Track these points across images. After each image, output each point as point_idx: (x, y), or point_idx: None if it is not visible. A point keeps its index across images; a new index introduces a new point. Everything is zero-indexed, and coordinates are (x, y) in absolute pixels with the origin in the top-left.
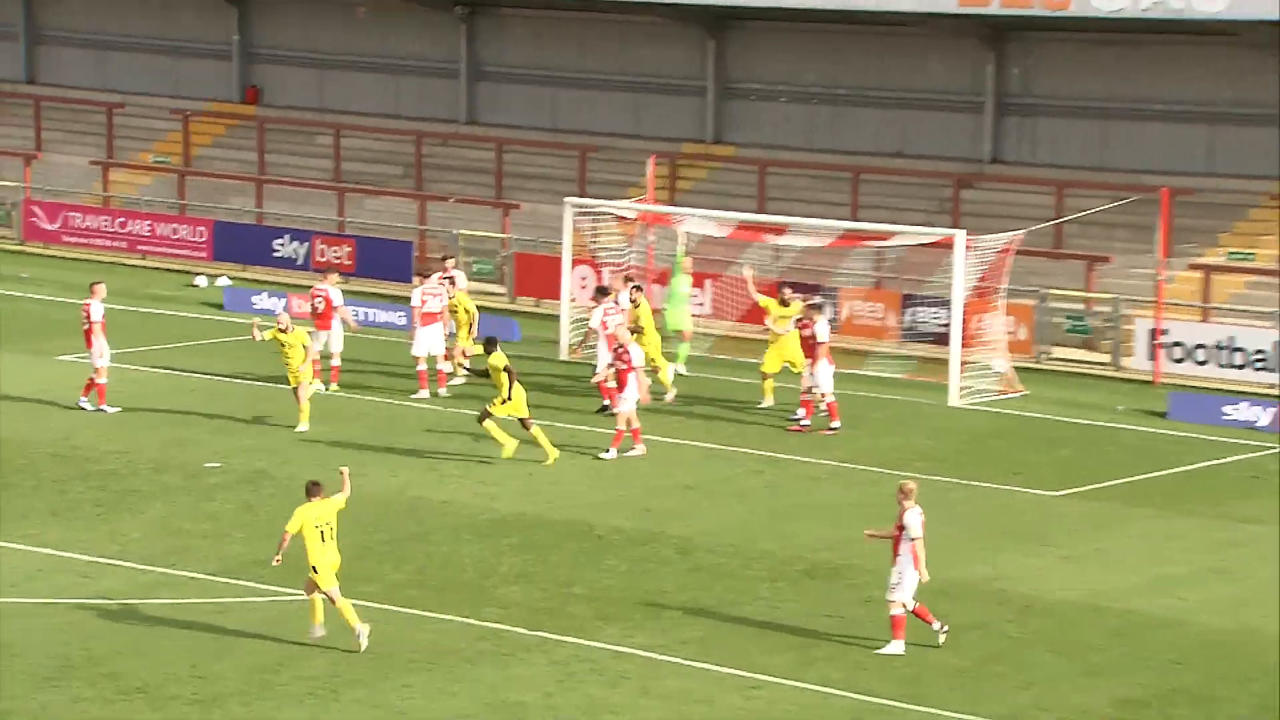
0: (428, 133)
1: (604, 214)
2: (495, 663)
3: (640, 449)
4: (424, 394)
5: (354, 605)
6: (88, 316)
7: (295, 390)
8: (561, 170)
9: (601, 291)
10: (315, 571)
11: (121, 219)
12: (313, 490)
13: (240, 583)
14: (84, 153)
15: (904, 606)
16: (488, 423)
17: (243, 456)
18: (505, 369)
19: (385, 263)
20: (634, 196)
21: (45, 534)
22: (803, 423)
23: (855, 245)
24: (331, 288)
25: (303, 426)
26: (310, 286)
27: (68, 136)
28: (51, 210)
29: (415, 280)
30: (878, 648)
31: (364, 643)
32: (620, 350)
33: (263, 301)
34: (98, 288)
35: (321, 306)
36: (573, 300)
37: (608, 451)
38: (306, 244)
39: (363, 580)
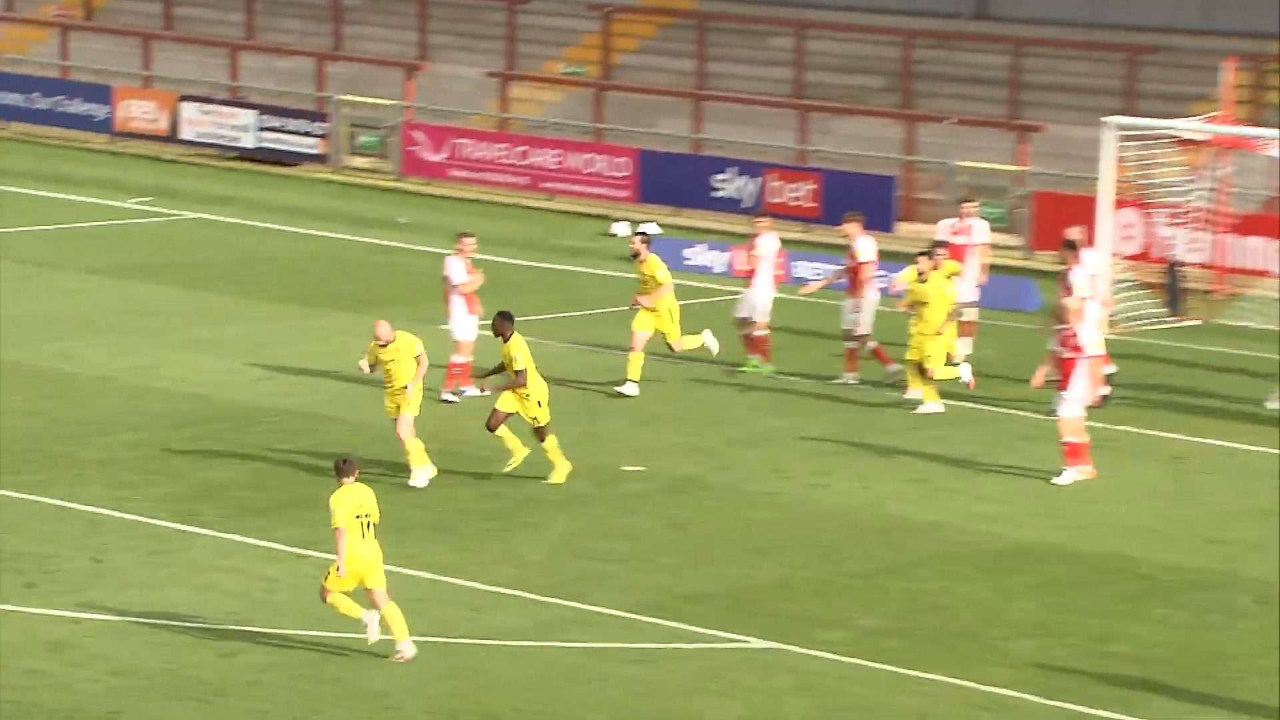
0: (920, 31)
1: (1160, 137)
2: None
3: (1072, 474)
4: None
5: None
6: (448, 278)
7: (396, 422)
8: (1101, 79)
9: (1068, 247)
10: (338, 572)
11: (522, 148)
12: (345, 469)
13: (668, 623)
14: (477, 62)
15: None
16: (502, 429)
17: (671, 458)
18: (518, 373)
19: (859, 204)
20: (1203, 114)
21: (427, 553)
22: None
23: None
24: (767, 236)
25: (420, 477)
26: (752, 237)
27: (458, 41)
28: (437, 136)
29: (847, 228)
30: None
31: (373, 634)
32: (1066, 333)
33: (698, 256)
34: (465, 241)
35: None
36: (1117, 257)
37: (1060, 475)
38: (757, 180)
39: (824, 624)
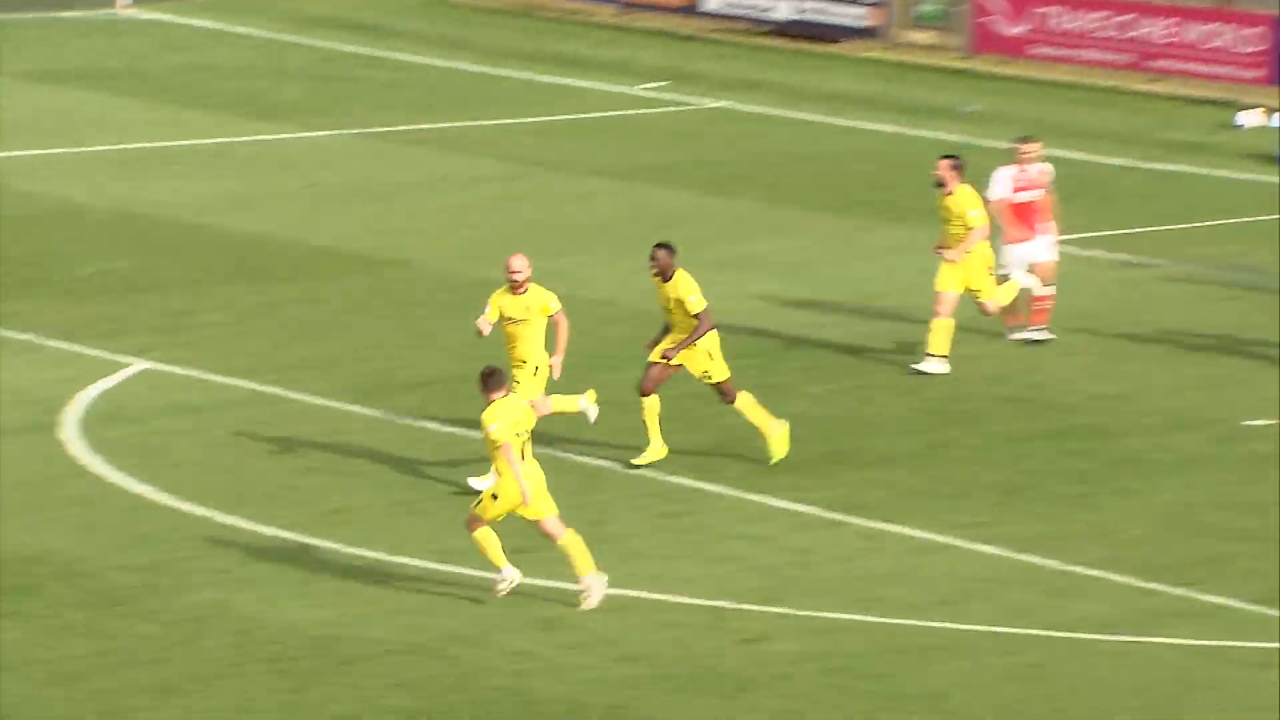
0: None
1: None
2: None
3: None
4: None
5: None
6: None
7: (537, 402)
8: None
9: None
10: (495, 499)
11: (1125, 17)
12: (492, 383)
13: None
14: None
15: None
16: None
17: None
18: (699, 315)
19: None
20: None
21: (996, 524)
22: None
23: None
24: None
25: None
26: None
27: None
28: (1016, 3)
29: None
30: None
31: (592, 599)
32: None
33: None
34: (1027, 147)
35: None
36: None
37: None
38: None
39: None
